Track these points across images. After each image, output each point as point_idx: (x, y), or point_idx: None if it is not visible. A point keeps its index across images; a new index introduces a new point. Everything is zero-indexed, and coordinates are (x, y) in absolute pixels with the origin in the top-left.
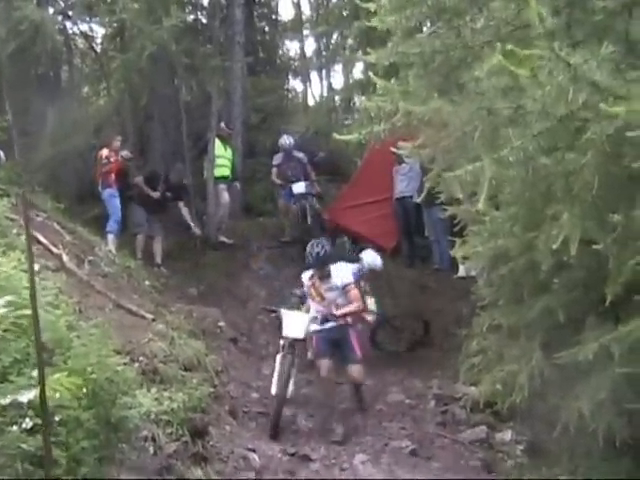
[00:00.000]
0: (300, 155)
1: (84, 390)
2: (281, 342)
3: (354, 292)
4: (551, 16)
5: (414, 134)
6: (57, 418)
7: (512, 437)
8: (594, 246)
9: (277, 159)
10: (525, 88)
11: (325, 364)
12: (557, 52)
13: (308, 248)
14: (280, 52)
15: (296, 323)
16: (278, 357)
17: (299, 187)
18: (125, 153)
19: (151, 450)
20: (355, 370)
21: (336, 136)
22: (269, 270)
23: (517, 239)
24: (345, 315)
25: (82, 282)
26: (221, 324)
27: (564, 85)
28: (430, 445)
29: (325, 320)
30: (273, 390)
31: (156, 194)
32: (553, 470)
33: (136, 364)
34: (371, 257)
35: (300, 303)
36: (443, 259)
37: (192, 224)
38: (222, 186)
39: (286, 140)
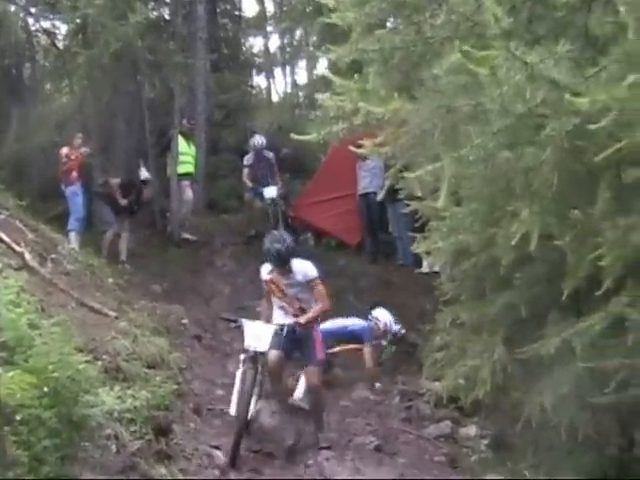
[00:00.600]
0: (270, 155)
1: (45, 389)
2: (241, 356)
3: (319, 288)
4: (509, 14)
5: (375, 131)
6: (18, 417)
7: (476, 432)
8: (555, 242)
9: (248, 159)
10: (484, 85)
11: (274, 354)
12: (513, 52)
13: (266, 243)
14: (244, 48)
15: (260, 334)
16: (238, 373)
17: (271, 192)
18: (84, 150)
19: (114, 448)
20: (311, 372)
21: (295, 136)
22: (233, 267)
23: (478, 235)
24: (311, 321)
25: (45, 280)
26: (185, 321)
27: (522, 84)
28: (395, 441)
29: (292, 332)
30: (232, 410)
31: (124, 202)
32: (517, 465)
33: (99, 362)
34: (385, 316)
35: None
36: (407, 255)
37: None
38: (185, 183)
39: (258, 140)
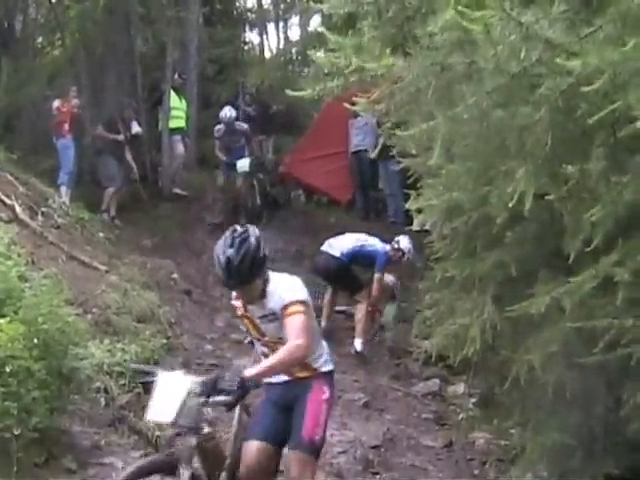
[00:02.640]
0: (243, 127)
1: (35, 341)
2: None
3: (295, 319)
4: None
5: (369, 88)
6: (8, 369)
7: (464, 390)
8: (547, 197)
9: (218, 132)
10: (478, 44)
11: (254, 448)
12: (508, 12)
13: (218, 247)
14: (237, 3)
15: (171, 395)
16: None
17: (243, 164)
18: (75, 102)
19: (103, 401)
20: (295, 459)
21: (290, 92)
22: (224, 222)
23: (471, 193)
24: (264, 375)
25: (35, 233)
26: (175, 276)
27: (517, 44)
28: (383, 398)
29: (233, 393)
30: None
31: (120, 137)
32: (504, 423)
33: (89, 315)
34: (406, 243)
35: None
36: (398, 212)
37: (134, 168)
38: (177, 137)
39: (227, 113)
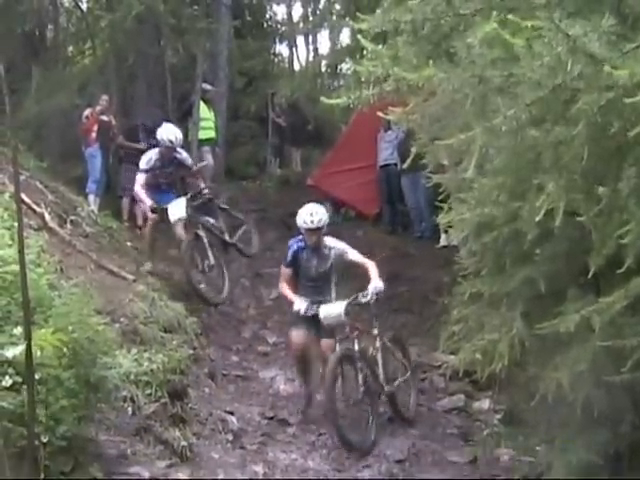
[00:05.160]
0: (183, 156)
1: (65, 349)
2: None
3: None
4: None
5: (402, 99)
6: (37, 376)
7: (490, 406)
8: (578, 218)
9: (148, 161)
10: (518, 57)
11: None
12: (557, 23)
13: None
14: (267, 16)
15: None
16: None
17: (177, 209)
18: (98, 109)
19: (130, 411)
20: None
21: (324, 100)
22: None
23: (503, 208)
24: None
25: (64, 242)
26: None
27: (563, 56)
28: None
29: None
30: None
31: (141, 145)
32: (530, 440)
33: (117, 325)
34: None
35: None
36: (425, 227)
37: None
38: (206, 149)
39: (172, 134)
